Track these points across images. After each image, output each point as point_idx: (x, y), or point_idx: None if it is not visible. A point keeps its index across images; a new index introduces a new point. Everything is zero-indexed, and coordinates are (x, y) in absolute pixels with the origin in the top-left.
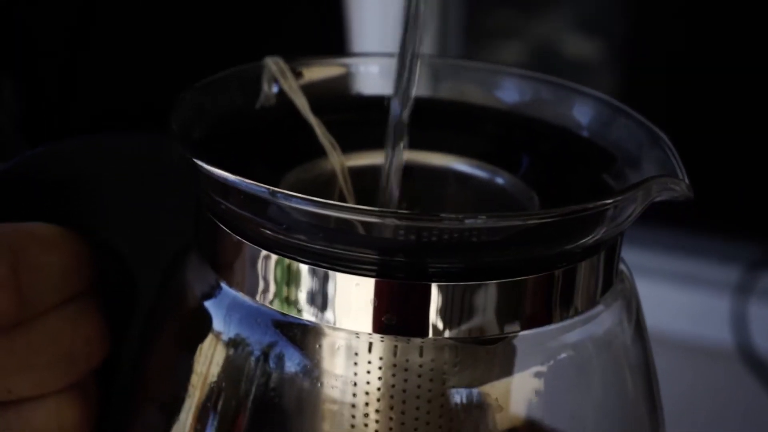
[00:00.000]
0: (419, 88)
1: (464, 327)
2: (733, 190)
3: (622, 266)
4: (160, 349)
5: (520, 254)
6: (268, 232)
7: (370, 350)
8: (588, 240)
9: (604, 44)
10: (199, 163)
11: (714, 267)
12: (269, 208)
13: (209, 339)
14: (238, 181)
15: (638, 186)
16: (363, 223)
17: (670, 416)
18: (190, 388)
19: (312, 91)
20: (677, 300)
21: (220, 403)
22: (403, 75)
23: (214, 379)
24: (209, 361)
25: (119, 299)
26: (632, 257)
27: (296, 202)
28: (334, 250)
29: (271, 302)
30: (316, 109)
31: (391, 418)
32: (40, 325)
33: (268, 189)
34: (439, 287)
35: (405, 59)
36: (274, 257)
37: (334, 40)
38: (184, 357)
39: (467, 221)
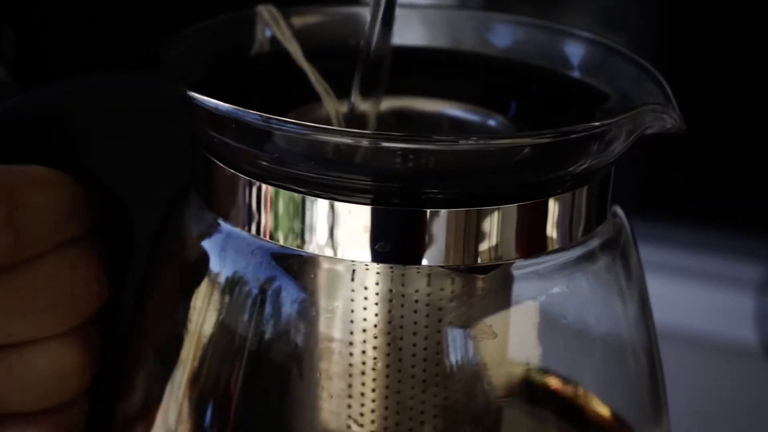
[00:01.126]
0: (412, 36)
1: (458, 254)
2: (757, 187)
3: (618, 210)
4: (159, 291)
5: (513, 180)
6: (263, 163)
7: (366, 279)
8: (579, 165)
9: (624, 40)
10: (192, 94)
11: (738, 264)
12: (263, 137)
13: (207, 278)
14: (231, 110)
15: (628, 112)
16: (357, 147)
17: (694, 414)
18: (190, 329)
19: (306, 38)
20: (701, 298)
21: (220, 341)
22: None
23: (214, 317)
24: (208, 299)
25: (118, 242)
26: (656, 255)
27: (290, 127)
28: (329, 178)
29: (268, 235)
30: (310, 57)
31: (388, 346)
32: (39, 267)
33: (262, 116)
34: (434, 213)
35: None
36: (268, 188)
37: None
38: (184, 298)
39: (461, 142)
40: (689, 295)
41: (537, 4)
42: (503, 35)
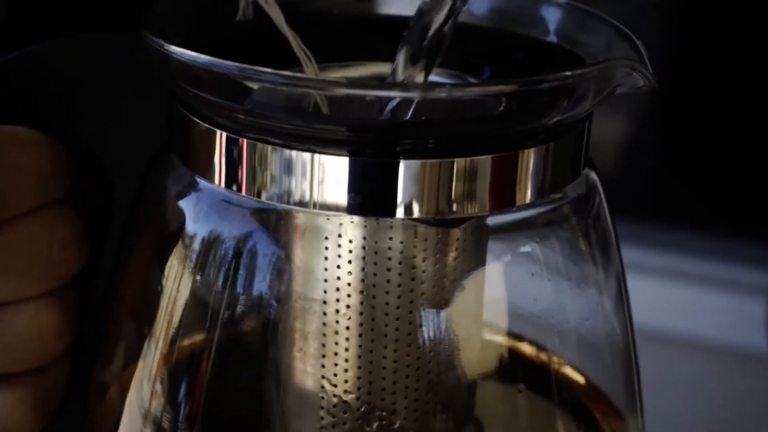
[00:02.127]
0: (388, 5)
1: (432, 206)
2: None
3: (592, 173)
4: (137, 253)
5: (486, 130)
6: (239, 116)
7: (340, 232)
8: (551, 118)
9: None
10: (169, 47)
11: (749, 271)
12: (239, 90)
13: (184, 238)
14: (208, 61)
15: (598, 64)
16: (332, 97)
17: (705, 418)
18: (167, 290)
19: (289, 6)
20: (712, 304)
21: (197, 301)
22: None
23: (191, 278)
24: (185, 260)
25: (97, 206)
26: (668, 262)
27: (267, 77)
28: (305, 130)
29: (244, 190)
30: (293, 24)
31: (362, 303)
32: (17, 229)
33: (238, 66)
34: (409, 165)
35: None
36: (244, 142)
37: None
38: (161, 260)
39: (435, 90)
40: (701, 302)
41: None
42: (480, 1)
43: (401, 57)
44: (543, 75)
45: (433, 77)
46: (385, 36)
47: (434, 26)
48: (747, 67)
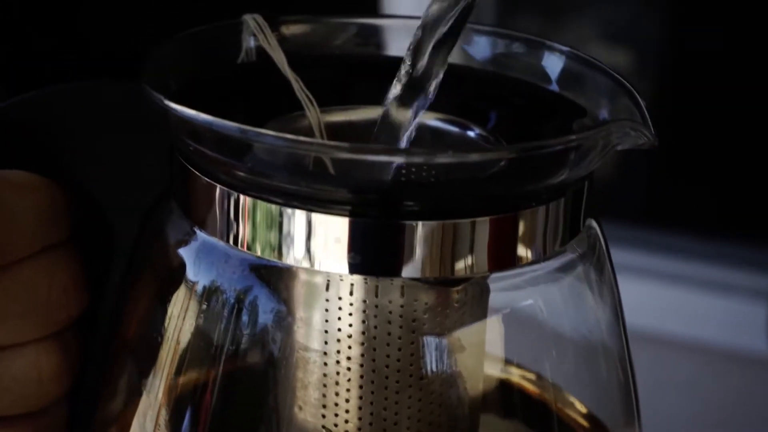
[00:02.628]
0: (395, 47)
1: (434, 267)
2: None
3: (593, 222)
4: (137, 298)
5: (488, 192)
6: (239, 173)
7: (341, 290)
8: (554, 180)
9: (632, 53)
10: (168, 104)
11: (750, 275)
12: (239, 148)
13: (184, 286)
14: (208, 120)
15: (601, 127)
16: (334, 160)
17: (705, 422)
18: (167, 336)
19: (293, 48)
20: (713, 307)
21: (197, 351)
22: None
23: (191, 325)
24: (185, 309)
25: (97, 248)
26: (668, 266)
27: (267, 139)
28: (306, 190)
29: (244, 245)
30: (296, 67)
31: (362, 356)
32: (16, 273)
33: (239, 127)
34: (410, 226)
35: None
36: (245, 199)
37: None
38: (161, 306)
39: (438, 156)
40: (701, 305)
41: (544, 17)
42: (483, 47)
43: (392, 96)
44: (544, 130)
45: (435, 123)
46: (388, 78)
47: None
48: (746, 69)
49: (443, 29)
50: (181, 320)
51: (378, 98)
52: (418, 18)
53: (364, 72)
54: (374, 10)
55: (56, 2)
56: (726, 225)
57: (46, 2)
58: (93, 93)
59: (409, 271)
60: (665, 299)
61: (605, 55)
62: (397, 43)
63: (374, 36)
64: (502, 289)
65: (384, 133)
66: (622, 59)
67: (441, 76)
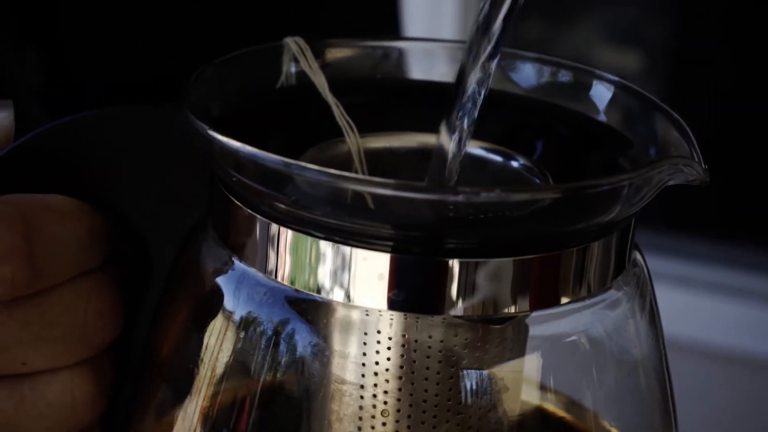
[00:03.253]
0: (435, 71)
1: (476, 305)
2: None
3: (637, 255)
4: (173, 325)
5: (534, 231)
6: (281, 206)
7: (380, 327)
8: (602, 219)
9: (641, 55)
10: (213, 134)
11: (762, 279)
12: (282, 181)
13: (221, 316)
14: (252, 153)
15: (652, 166)
16: (377, 196)
17: (719, 429)
18: (202, 366)
19: (334, 72)
20: (726, 312)
21: (231, 381)
22: (474, 61)
23: (226, 357)
24: (221, 338)
25: (134, 274)
26: (680, 269)
27: (310, 173)
28: (348, 225)
29: (283, 278)
30: (336, 91)
31: (399, 391)
32: (54, 298)
33: (282, 161)
34: (453, 264)
35: (479, 44)
36: (286, 232)
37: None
38: (196, 334)
39: (482, 194)
40: (714, 309)
41: (551, 20)
42: (528, 74)
43: (444, 128)
44: (590, 162)
45: (480, 153)
46: (426, 102)
47: (470, 89)
48: (754, 73)
49: (496, 28)
50: (217, 349)
51: (418, 124)
52: (456, 42)
53: (405, 97)
54: (396, 32)
55: (93, 28)
56: (740, 229)
57: (85, 28)
58: (131, 118)
59: (451, 309)
60: (677, 303)
61: (613, 58)
62: (434, 67)
63: (413, 59)
64: (544, 325)
65: (436, 163)
66: (630, 62)
67: (487, 88)
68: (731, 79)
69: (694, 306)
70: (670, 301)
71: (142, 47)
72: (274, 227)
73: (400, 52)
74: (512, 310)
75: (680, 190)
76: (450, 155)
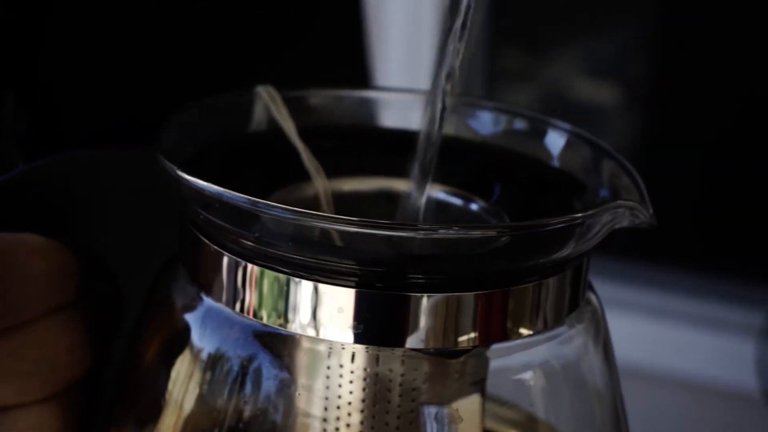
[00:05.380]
0: (393, 120)
1: (436, 338)
2: (759, 234)
3: (591, 294)
4: (143, 361)
5: (491, 267)
6: (247, 242)
7: (343, 360)
8: (556, 256)
9: (620, 88)
10: (181, 174)
11: (739, 311)
12: (248, 219)
13: (189, 351)
14: (218, 192)
15: (602, 207)
16: (341, 233)
17: None
18: (172, 402)
19: (306, 119)
20: (702, 343)
21: (200, 417)
22: (434, 112)
23: (195, 392)
24: (189, 374)
25: (105, 311)
26: (658, 300)
27: (275, 211)
28: (312, 261)
29: (250, 313)
30: (306, 137)
31: (362, 424)
32: (24, 334)
33: (247, 199)
34: (413, 298)
35: (436, 95)
36: (253, 268)
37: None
38: (166, 370)
39: (441, 231)
40: (690, 340)
41: (531, 52)
42: (486, 122)
43: (415, 172)
44: (546, 205)
45: (442, 196)
46: (396, 149)
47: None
48: (737, 104)
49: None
50: (185, 385)
51: (386, 169)
52: (414, 92)
53: (374, 143)
54: (367, 78)
55: (73, 73)
56: (714, 260)
57: (65, 73)
58: (105, 160)
59: (412, 342)
60: (652, 334)
61: (592, 91)
62: (394, 115)
63: (384, 108)
64: (501, 359)
65: (401, 205)
66: (609, 95)
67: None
68: (711, 111)
69: (669, 336)
70: (645, 331)
71: (123, 91)
72: (241, 263)
73: (371, 101)
74: (470, 343)
75: (659, 222)
76: (413, 197)
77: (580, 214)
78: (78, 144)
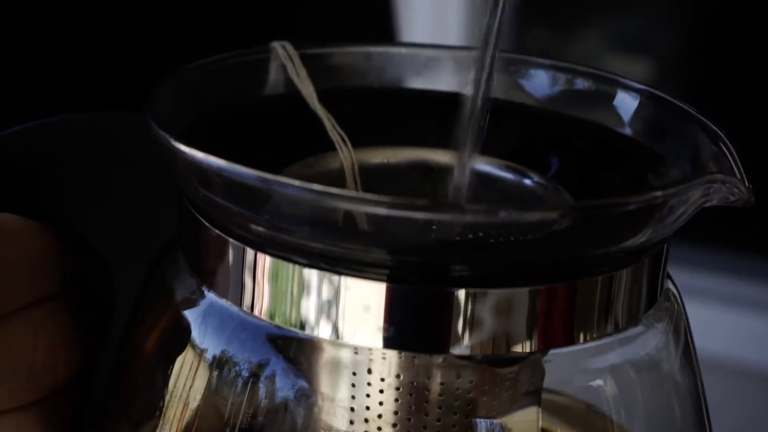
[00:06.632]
0: (440, 80)
1: (484, 343)
2: None
3: (670, 285)
4: (138, 363)
5: (551, 257)
6: (257, 227)
7: (372, 368)
8: (630, 243)
9: (652, 65)
10: (176, 145)
11: None
12: (257, 199)
13: (190, 354)
14: (219, 166)
15: (690, 183)
16: (371, 216)
17: None
18: (170, 411)
19: (326, 81)
20: (745, 326)
21: (203, 428)
22: (482, 73)
23: (196, 401)
24: (190, 380)
25: (94, 304)
26: (700, 282)
27: (290, 190)
28: (336, 250)
29: (260, 312)
30: (327, 102)
31: None
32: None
33: (259, 175)
34: (457, 294)
35: (485, 55)
36: (264, 257)
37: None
38: (164, 374)
39: (494, 213)
40: (733, 323)
41: (559, 30)
42: (542, 83)
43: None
44: (614, 181)
45: (487, 168)
46: (431, 114)
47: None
48: (757, 77)
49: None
50: (186, 392)
51: (419, 138)
52: (461, 48)
53: (405, 108)
54: (392, 37)
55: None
56: (759, 241)
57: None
58: (96, 127)
59: (455, 347)
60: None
61: (623, 68)
62: (437, 75)
63: (417, 68)
64: (562, 367)
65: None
66: (641, 72)
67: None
68: (748, 87)
69: (713, 319)
70: (719, 321)
71: (117, 49)
72: (250, 252)
73: (400, 59)
74: (526, 348)
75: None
76: (455, 171)
77: (662, 193)
78: (67, 108)
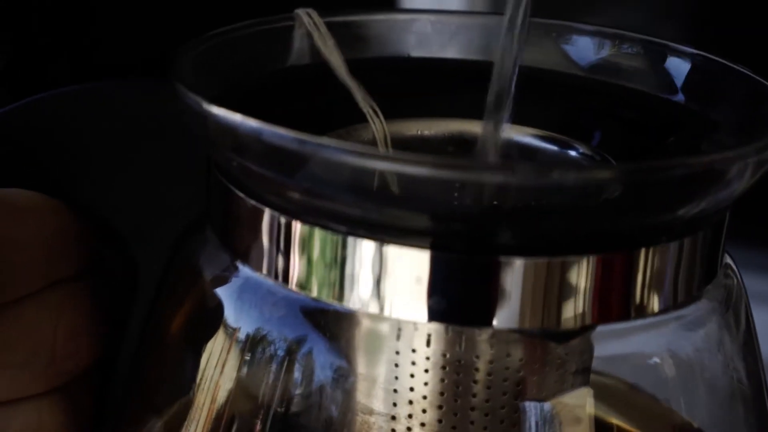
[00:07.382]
0: (473, 48)
1: (536, 315)
2: None
3: (728, 259)
4: (164, 344)
5: (605, 225)
6: (294, 194)
7: (415, 344)
8: (688, 210)
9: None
10: (209, 108)
11: None
12: (295, 163)
13: (222, 333)
14: (257, 128)
15: (752, 144)
16: (412, 177)
17: None
18: (200, 394)
19: (349, 49)
20: None
21: (235, 412)
22: (511, 37)
23: (228, 383)
24: (222, 360)
25: (117, 285)
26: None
27: (330, 152)
28: (375, 216)
29: (297, 284)
30: (356, 72)
31: (439, 424)
32: (15, 316)
33: (295, 136)
34: (504, 263)
35: (515, 20)
36: (300, 226)
37: None
38: (193, 355)
39: (549, 174)
40: None
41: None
42: (586, 49)
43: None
44: (665, 149)
45: (527, 139)
46: (462, 84)
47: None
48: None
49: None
50: (217, 374)
51: (453, 108)
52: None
53: (437, 78)
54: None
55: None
56: None
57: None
58: (112, 96)
59: (503, 320)
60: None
61: None
62: (470, 43)
63: (452, 35)
64: (615, 343)
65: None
66: None
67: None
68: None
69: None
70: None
71: (118, 22)
72: (285, 221)
73: (431, 27)
74: (579, 321)
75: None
76: (493, 141)
77: (722, 154)
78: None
